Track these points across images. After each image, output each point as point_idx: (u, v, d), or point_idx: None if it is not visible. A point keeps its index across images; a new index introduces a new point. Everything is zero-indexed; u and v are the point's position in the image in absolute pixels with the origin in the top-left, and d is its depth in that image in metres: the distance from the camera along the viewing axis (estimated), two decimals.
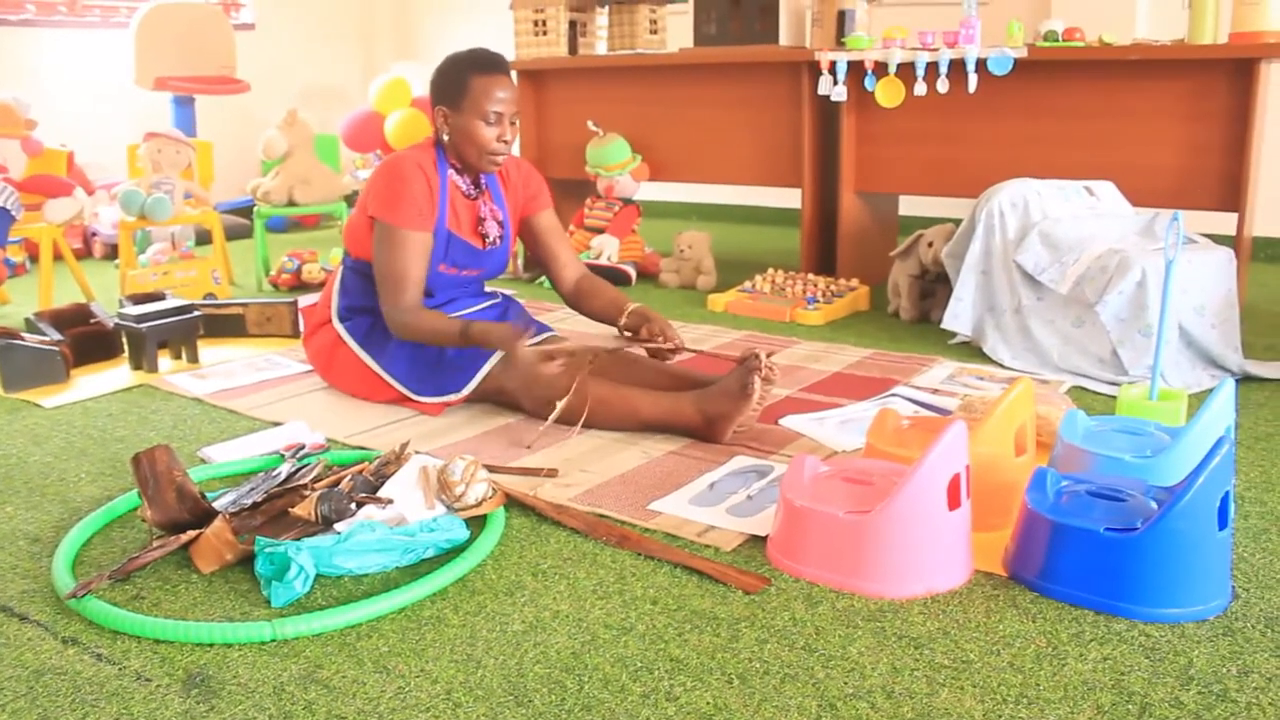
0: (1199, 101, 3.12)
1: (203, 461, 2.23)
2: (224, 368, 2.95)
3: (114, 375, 2.89)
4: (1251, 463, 2.12)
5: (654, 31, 4.52)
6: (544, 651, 1.47)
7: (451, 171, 2.51)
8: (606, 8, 4.46)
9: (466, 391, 2.44)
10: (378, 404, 2.56)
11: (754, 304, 3.55)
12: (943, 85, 3.42)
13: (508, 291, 2.82)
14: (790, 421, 2.40)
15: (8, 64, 5.27)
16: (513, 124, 2.44)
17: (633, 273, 4.14)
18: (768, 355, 2.24)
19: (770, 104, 3.87)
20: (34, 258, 4.46)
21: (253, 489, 1.91)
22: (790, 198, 4.07)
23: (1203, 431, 1.78)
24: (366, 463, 1.97)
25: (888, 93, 3.55)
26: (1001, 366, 2.84)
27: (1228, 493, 1.53)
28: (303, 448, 2.19)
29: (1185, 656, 1.43)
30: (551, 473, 2.11)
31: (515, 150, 2.73)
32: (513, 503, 1.96)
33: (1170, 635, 1.48)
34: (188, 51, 5.25)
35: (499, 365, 2.39)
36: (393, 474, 1.90)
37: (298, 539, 1.69)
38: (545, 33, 4.29)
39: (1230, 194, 3.10)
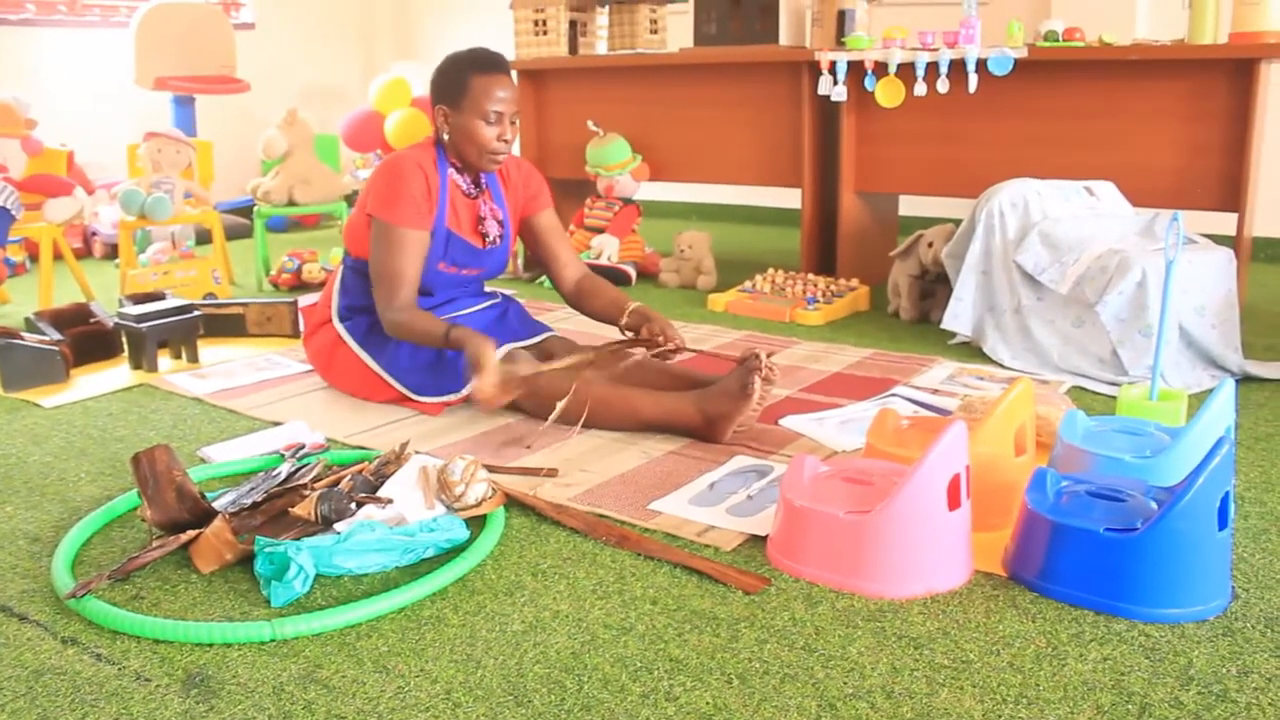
0: (1199, 101, 3.12)
1: (202, 461, 2.23)
2: (224, 367, 2.95)
3: (114, 375, 2.89)
4: (1251, 463, 2.12)
5: (654, 31, 4.52)
6: (544, 651, 1.47)
7: (451, 170, 2.51)
8: (606, 7, 4.46)
9: (466, 391, 2.43)
10: (378, 404, 2.56)
11: (754, 304, 3.55)
12: (943, 85, 3.42)
13: (508, 291, 2.82)
14: (790, 421, 2.40)
15: (8, 64, 5.26)
16: (513, 123, 2.44)
17: (633, 273, 4.14)
18: (768, 355, 2.24)
19: (770, 104, 3.87)
20: (34, 257, 4.46)
21: (252, 489, 1.91)
22: (790, 198, 4.07)
23: (1203, 432, 1.78)
24: (366, 463, 1.97)
25: (888, 93, 3.55)
26: (1001, 367, 2.83)
27: (1228, 493, 1.53)
28: (302, 447, 2.19)
29: (1185, 657, 1.43)
30: (551, 473, 2.11)
31: (515, 150, 2.73)
32: (512, 503, 1.96)
33: (1170, 635, 1.48)
34: (188, 51, 5.25)
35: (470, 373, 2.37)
36: (392, 474, 1.90)
37: (297, 539, 1.69)
38: (545, 32, 4.29)
39: (1230, 194, 3.10)
